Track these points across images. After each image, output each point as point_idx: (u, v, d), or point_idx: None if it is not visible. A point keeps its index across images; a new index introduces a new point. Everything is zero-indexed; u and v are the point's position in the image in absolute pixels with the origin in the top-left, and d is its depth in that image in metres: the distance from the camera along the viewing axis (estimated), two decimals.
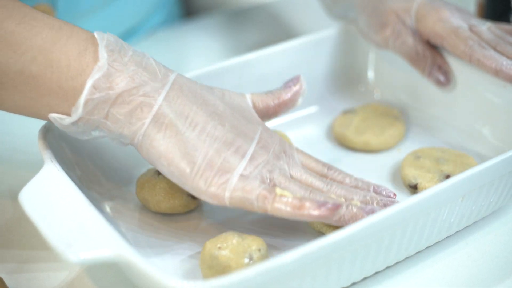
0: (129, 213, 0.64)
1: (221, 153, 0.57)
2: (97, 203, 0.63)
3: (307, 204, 0.55)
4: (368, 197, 0.59)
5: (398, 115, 0.74)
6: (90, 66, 0.56)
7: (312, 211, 0.54)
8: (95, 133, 0.59)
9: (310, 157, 0.62)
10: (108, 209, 0.64)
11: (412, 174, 0.66)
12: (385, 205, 0.58)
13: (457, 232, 0.62)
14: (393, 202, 0.59)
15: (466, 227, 0.62)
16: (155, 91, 0.57)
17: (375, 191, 0.61)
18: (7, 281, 0.58)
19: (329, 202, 0.55)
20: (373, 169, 0.69)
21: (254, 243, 0.57)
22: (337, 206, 0.55)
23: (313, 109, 0.78)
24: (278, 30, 0.96)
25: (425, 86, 0.74)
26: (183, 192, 0.63)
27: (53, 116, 0.57)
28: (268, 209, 0.55)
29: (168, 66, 0.88)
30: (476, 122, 0.71)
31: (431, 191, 0.55)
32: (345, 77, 0.79)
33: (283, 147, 0.60)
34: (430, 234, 0.59)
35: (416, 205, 0.55)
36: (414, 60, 0.72)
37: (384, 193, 0.61)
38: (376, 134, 0.71)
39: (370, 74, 0.79)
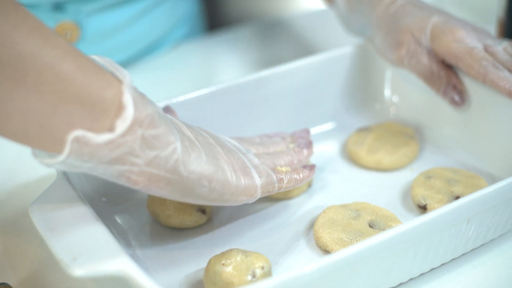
0: (140, 226, 0.65)
1: (230, 155, 0.60)
2: (108, 215, 0.65)
3: (301, 172, 0.65)
4: (288, 138, 0.69)
5: (412, 134, 0.74)
6: (116, 82, 0.52)
7: (308, 173, 0.65)
8: (87, 165, 0.52)
9: (230, 137, 0.66)
10: (119, 221, 0.65)
11: (422, 194, 0.66)
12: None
13: (463, 254, 0.61)
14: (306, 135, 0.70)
15: (473, 249, 0.62)
16: (167, 117, 0.56)
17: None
18: None
19: (308, 165, 0.66)
20: (384, 188, 0.69)
21: (257, 261, 0.58)
22: (313, 165, 0.66)
23: (329, 125, 0.78)
24: (300, 45, 0.97)
25: (440, 105, 0.74)
26: (193, 207, 0.64)
27: (80, 134, 0.50)
28: (283, 186, 0.63)
29: (190, 79, 0.88)
30: (490, 143, 0.71)
31: (434, 214, 0.55)
32: (362, 95, 0.80)
33: (232, 142, 0.64)
34: (435, 256, 0.59)
35: (418, 227, 0.55)
36: (429, 79, 0.72)
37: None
38: (389, 153, 0.71)
39: (387, 92, 0.80)
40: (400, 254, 0.56)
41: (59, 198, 0.58)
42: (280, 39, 0.99)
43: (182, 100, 0.70)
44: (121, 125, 0.51)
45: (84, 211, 0.57)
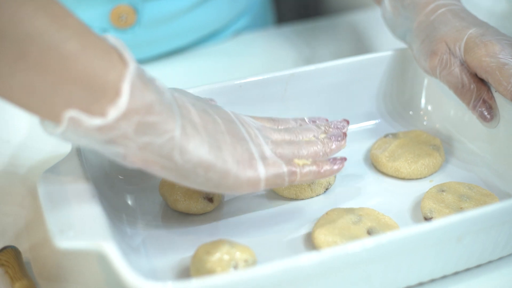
0: (150, 207, 0.68)
1: (239, 144, 0.60)
2: (121, 192, 0.68)
3: (325, 165, 0.63)
4: (322, 127, 0.68)
5: (439, 145, 0.73)
6: (120, 66, 0.54)
7: (332, 167, 0.63)
8: (83, 141, 0.55)
9: (259, 118, 0.66)
10: (131, 199, 0.68)
11: (430, 207, 0.65)
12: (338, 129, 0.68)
13: (456, 273, 0.61)
14: (343, 127, 0.69)
15: (467, 269, 0.61)
16: (172, 103, 0.57)
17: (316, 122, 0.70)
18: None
19: (337, 158, 0.64)
20: (398, 197, 0.69)
21: (243, 254, 0.59)
22: (343, 158, 0.64)
23: (359, 127, 0.78)
24: (362, 44, 0.97)
25: (472, 119, 0.73)
26: (200, 194, 0.66)
27: (75, 114, 0.52)
28: (297, 180, 0.62)
29: (242, 69, 0.87)
30: None
31: (413, 230, 0.55)
32: (397, 100, 0.79)
33: (256, 126, 0.64)
34: (421, 271, 0.58)
35: (399, 241, 0.55)
36: (460, 91, 0.71)
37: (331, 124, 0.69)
38: (409, 162, 0.71)
39: (422, 100, 0.79)
40: (379, 267, 0.56)
41: (67, 172, 0.62)
42: (343, 37, 0.99)
43: (217, 87, 0.73)
44: (113, 112, 0.52)
45: (85, 188, 0.60)
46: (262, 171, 0.60)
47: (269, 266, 0.52)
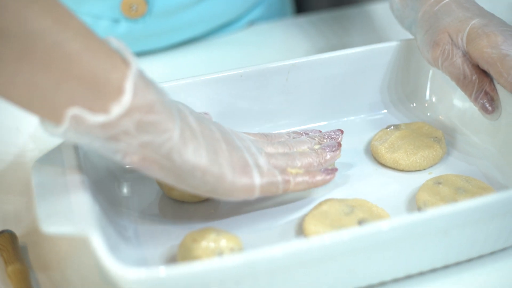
0: (147, 194, 0.69)
1: (234, 152, 0.61)
2: (119, 178, 0.69)
3: (318, 175, 0.65)
4: (316, 139, 0.69)
5: (440, 137, 0.72)
6: (123, 67, 0.55)
7: (325, 177, 0.65)
8: (84, 139, 0.56)
9: (251, 133, 0.67)
10: (128, 186, 0.69)
11: (424, 199, 0.65)
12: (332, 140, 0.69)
13: (446, 266, 0.60)
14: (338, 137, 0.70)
15: (457, 263, 0.60)
16: (172, 106, 0.58)
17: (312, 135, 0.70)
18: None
19: (329, 169, 0.66)
20: (395, 188, 0.68)
21: (229, 242, 0.60)
22: (334, 169, 0.66)
23: (362, 118, 0.78)
24: (374, 35, 0.96)
25: (475, 111, 0.71)
26: None
27: (78, 112, 0.53)
28: (290, 188, 0.63)
29: (254, 59, 0.86)
30: None
31: (396, 221, 0.54)
32: (401, 91, 0.78)
33: (249, 139, 0.65)
34: (408, 263, 0.58)
35: (377, 234, 0.54)
36: (461, 82, 0.70)
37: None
38: (408, 153, 0.70)
39: (427, 92, 0.78)
40: (360, 258, 0.56)
41: (60, 159, 0.63)
42: (358, 28, 0.98)
43: (217, 77, 0.73)
44: (117, 109, 0.54)
45: (77, 176, 0.61)
46: (257, 179, 0.61)
47: (242, 255, 0.52)
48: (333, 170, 0.66)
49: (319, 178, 0.65)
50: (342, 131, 0.71)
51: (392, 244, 0.56)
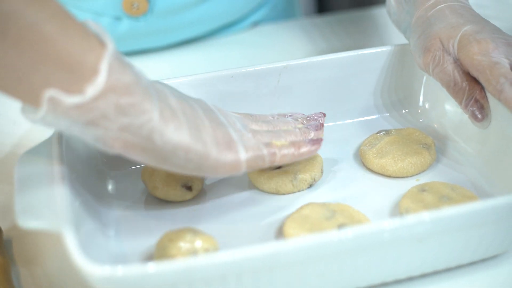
0: (131, 193, 0.69)
1: (218, 128, 0.61)
2: (104, 175, 0.69)
3: (303, 146, 0.65)
4: (299, 119, 0.70)
5: (430, 144, 0.71)
6: (99, 48, 0.55)
7: (310, 148, 0.65)
8: (63, 124, 0.55)
9: (239, 113, 0.67)
10: (112, 184, 0.70)
11: (406, 206, 0.64)
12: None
13: (423, 275, 0.59)
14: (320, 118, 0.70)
15: (435, 272, 0.60)
16: (149, 87, 0.58)
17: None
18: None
19: (314, 139, 0.66)
20: (380, 194, 0.68)
21: (204, 243, 0.60)
22: (320, 139, 0.66)
23: (353, 123, 0.77)
24: (376, 38, 0.95)
25: (467, 119, 0.70)
26: (178, 182, 0.67)
27: (54, 93, 0.53)
28: (276, 160, 0.64)
29: (255, 60, 0.85)
30: (502, 167, 0.67)
31: (368, 227, 0.54)
32: (394, 96, 0.78)
33: (235, 116, 0.65)
34: (381, 270, 0.57)
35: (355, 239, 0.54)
36: (452, 89, 0.69)
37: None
38: (395, 160, 0.69)
39: (420, 98, 0.77)
40: (335, 264, 0.55)
41: (45, 154, 0.63)
42: (362, 30, 0.98)
43: (208, 77, 0.73)
44: (91, 89, 0.53)
45: (59, 171, 0.61)
46: (242, 153, 0.61)
47: (208, 256, 0.52)
48: (319, 140, 0.66)
49: (304, 149, 0.65)
50: (324, 114, 0.71)
51: (364, 250, 0.56)
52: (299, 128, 0.68)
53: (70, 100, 0.53)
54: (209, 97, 0.72)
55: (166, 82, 0.71)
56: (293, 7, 1.07)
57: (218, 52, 0.94)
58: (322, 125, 0.69)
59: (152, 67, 0.92)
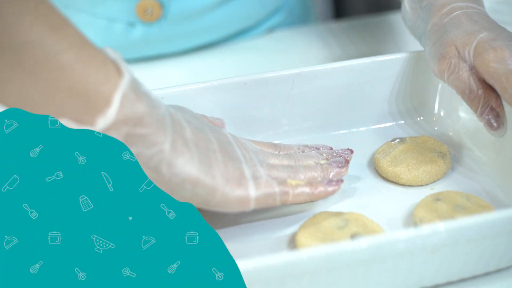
0: None
1: (230, 163, 0.60)
2: None
3: (320, 186, 0.63)
4: (324, 154, 0.68)
5: (445, 152, 0.71)
6: (116, 78, 0.54)
7: (328, 189, 0.64)
8: None
9: (259, 142, 0.67)
10: None
11: (421, 216, 0.63)
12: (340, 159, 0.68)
13: (437, 286, 0.59)
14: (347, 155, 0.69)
15: (449, 283, 0.59)
16: (166, 117, 0.57)
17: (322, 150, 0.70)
18: None
19: (333, 180, 0.64)
20: (394, 203, 0.67)
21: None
22: (339, 181, 0.64)
23: (369, 130, 0.76)
24: (392, 45, 0.95)
25: (483, 128, 0.69)
26: None
27: (65, 123, 0.53)
28: (289, 200, 0.62)
29: (270, 66, 0.86)
30: None
31: (376, 239, 0.53)
32: (410, 104, 0.77)
33: (253, 149, 0.64)
34: (393, 281, 0.57)
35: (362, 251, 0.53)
36: (467, 97, 0.68)
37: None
38: (410, 168, 0.69)
39: (436, 105, 0.76)
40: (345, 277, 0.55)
41: None
42: (378, 37, 0.97)
43: (221, 84, 0.72)
44: (102, 121, 0.53)
45: None
46: (252, 190, 0.60)
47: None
48: (338, 182, 0.65)
49: (321, 189, 0.64)
50: (352, 151, 0.70)
51: (378, 261, 0.55)
52: (321, 164, 0.66)
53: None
54: (222, 104, 0.72)
55: (180, 88, 0.71)
56: (309, 12, 1.07)
57: (233, 58, 0.94)
58: (347, 161, 0.68)
59: (166, 73, 0.92)
